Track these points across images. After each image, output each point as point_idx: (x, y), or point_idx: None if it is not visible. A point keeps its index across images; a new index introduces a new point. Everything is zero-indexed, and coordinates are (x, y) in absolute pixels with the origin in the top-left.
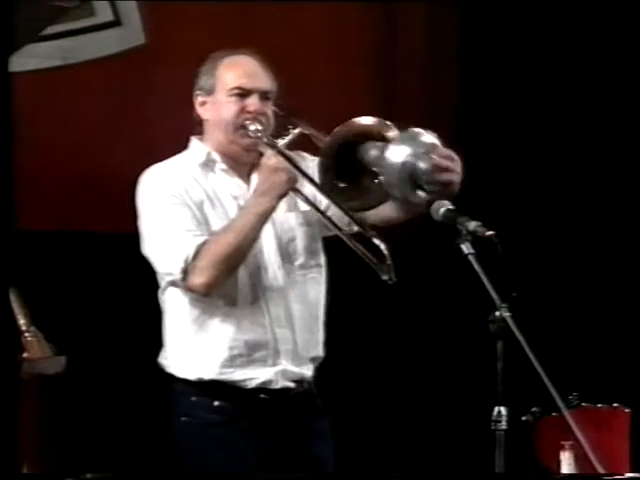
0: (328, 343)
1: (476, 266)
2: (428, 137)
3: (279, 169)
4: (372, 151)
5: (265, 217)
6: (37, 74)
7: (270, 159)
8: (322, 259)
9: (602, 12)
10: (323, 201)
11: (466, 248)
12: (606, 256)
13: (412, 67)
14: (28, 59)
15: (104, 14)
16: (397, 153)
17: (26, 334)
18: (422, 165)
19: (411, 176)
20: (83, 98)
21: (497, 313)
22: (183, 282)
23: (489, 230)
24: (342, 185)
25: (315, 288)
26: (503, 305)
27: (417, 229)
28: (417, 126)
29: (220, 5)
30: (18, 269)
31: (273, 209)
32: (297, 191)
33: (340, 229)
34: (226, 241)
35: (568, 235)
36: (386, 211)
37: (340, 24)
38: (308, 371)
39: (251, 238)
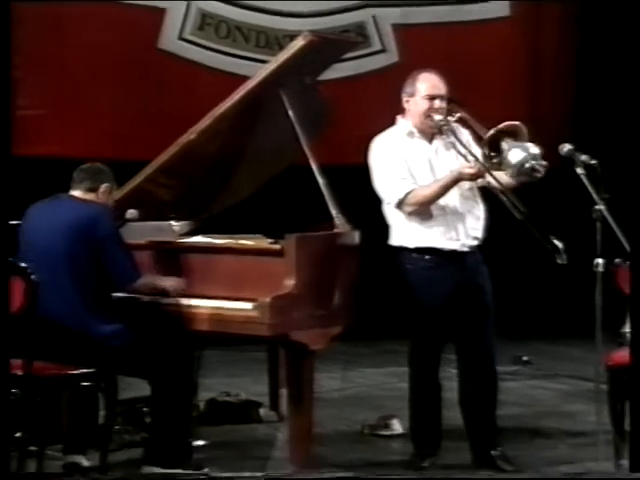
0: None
1: (585, 180)
2: (536, 150)
3: (471, 168)
4: (508, 146)
5: (452, 185)
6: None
7: (471, 168)
8: (476, 189)
9: None
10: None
11: (579, 170)
12: None
13: (550, 77)
14: (331, 72)
15: (375, 45)
16: (517, 153)
17: (335, 218)
18: (527, 165)
19: (519, 166)
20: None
21: (596, 206)
22: (397, 208)
23: (594, 160)
24: (492, 155)
25: (475, 206)
26: (601, 201)
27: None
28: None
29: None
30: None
31: (457, 183)
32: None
33: (521, 211)
34: (424, 193)
35: None
36: (508, 181)
37: (506, 45)
38: (475, 242)
39: (440, 194)
